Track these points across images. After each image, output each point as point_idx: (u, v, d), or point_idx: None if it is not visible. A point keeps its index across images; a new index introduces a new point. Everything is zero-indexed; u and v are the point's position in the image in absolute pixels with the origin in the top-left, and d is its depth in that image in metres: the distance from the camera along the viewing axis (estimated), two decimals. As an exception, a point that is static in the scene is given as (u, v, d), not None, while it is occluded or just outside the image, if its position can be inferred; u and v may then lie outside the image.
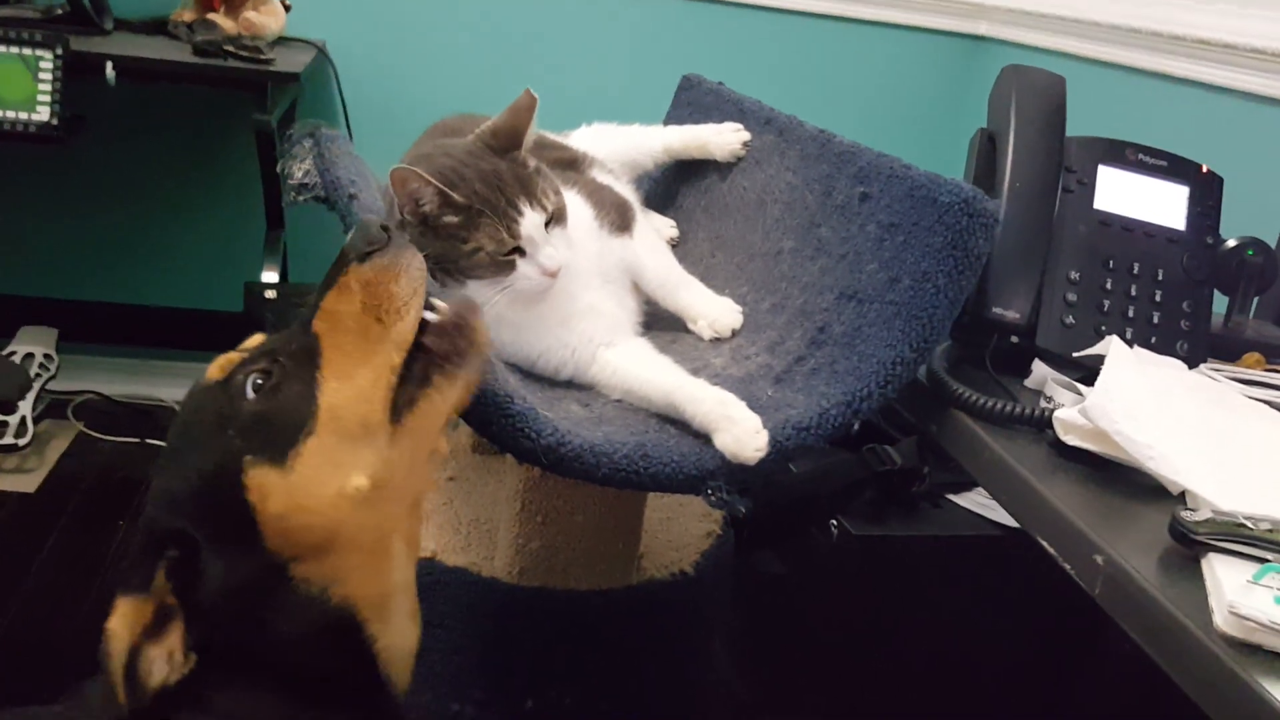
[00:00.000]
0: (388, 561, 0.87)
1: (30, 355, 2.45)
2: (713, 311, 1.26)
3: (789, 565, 1.73)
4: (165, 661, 0.81)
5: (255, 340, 0.91)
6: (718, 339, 1.24)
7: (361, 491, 0.83)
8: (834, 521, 1.58)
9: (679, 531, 1.45)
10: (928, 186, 1.10)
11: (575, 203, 1.21)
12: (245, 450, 0.82)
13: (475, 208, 1.10)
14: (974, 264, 1.06)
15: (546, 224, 1.12)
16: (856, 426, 1.07)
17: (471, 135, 1.16)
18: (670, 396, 1.09)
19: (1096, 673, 1.68)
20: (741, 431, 1.02)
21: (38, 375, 2.42)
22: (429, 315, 0.87)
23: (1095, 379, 1.01)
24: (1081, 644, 1.69)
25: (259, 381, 0.84)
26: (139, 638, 0.80)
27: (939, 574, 1.65)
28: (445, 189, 1.09)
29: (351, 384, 0.83)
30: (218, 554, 0.82)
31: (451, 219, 1.10)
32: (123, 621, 0.80)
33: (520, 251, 1.11)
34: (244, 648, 0.83)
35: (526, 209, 1.10)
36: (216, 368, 0.88)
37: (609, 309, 1.21)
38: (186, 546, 0.83)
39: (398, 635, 0.89)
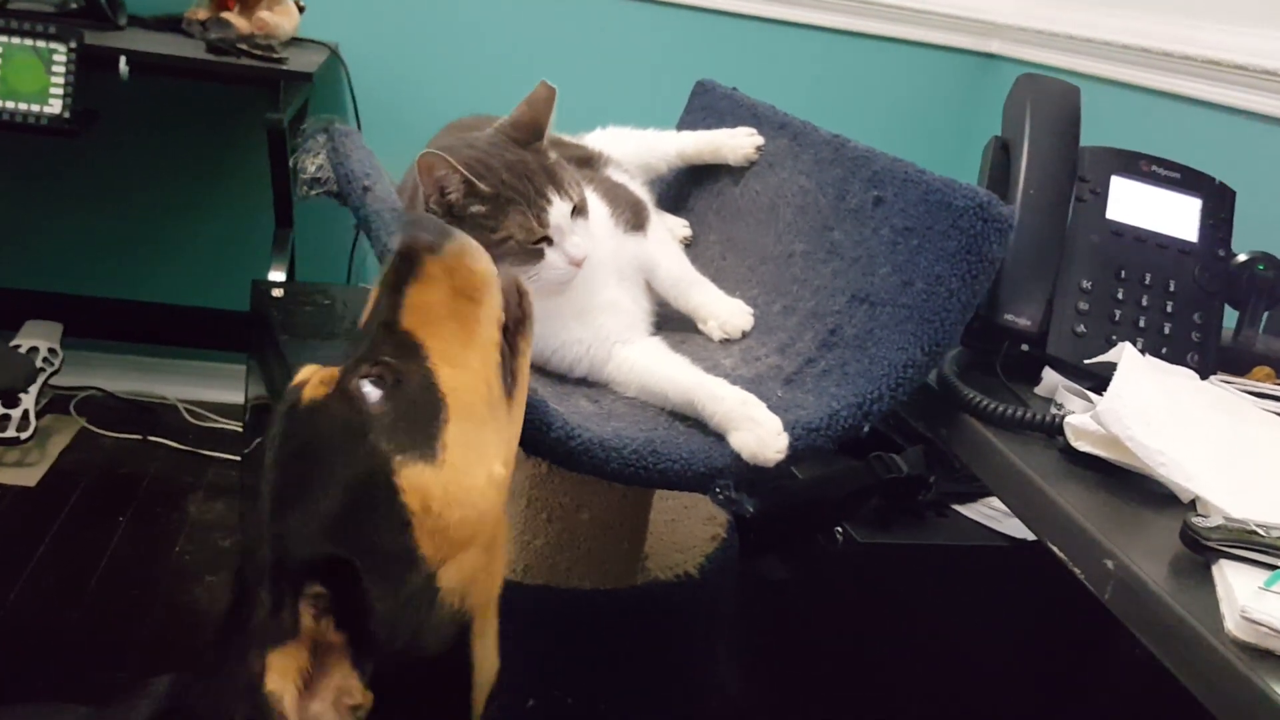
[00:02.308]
0: (500, 556, 0.84)
1: (35, 349, 2.46)
2: (724, 312, 1.26)
3: (793, 571, 1.72)
4: (334, 712, 0.73)
5: (312, 369, 0.85)
6: (728, 340, 1.24)
7: (501, 478, 0.81)
8: (839, 528, 1.58)
9: (684, 533, 1.44)
10: (943, 191, 1.10)
11: (591, 200, 1.21)
12: (394, 451, 0.77)
13: (504, 196, 1.10)
14: (988, 268, 1.06)
15: (573, 214, 1.12)
16: (867, 429, 1.07)
17: (491, 128, 1.16)
18: (689, 394, 1.08)
19: (1102, 685, 1.67)
20: (764, 433, 1.02)
21: (42, 369, 2.42)
22: None
23: (1106, 388, 1.01)
24: (1087, 657, 1.68)
25: (379, 381, 0.80)
26: (301, 693, 0.72)
27: (944, 583, 1.64)
28: (472, 177, 1.09)
29: (466, 368, 0.82)
30: (379, 572, 0.75)
31: (479, 208, 1.10)
32: (284, 679, 0.72)
33: (548, 241, 1.11)
34: (413, 679, 0.77)
35: (555, 198, 1.11)
36: (316, 385, 0.82)
37: (625, 306, 1.21)
38: (339, 576, 0.75)
39: (488, 658, 0.85)
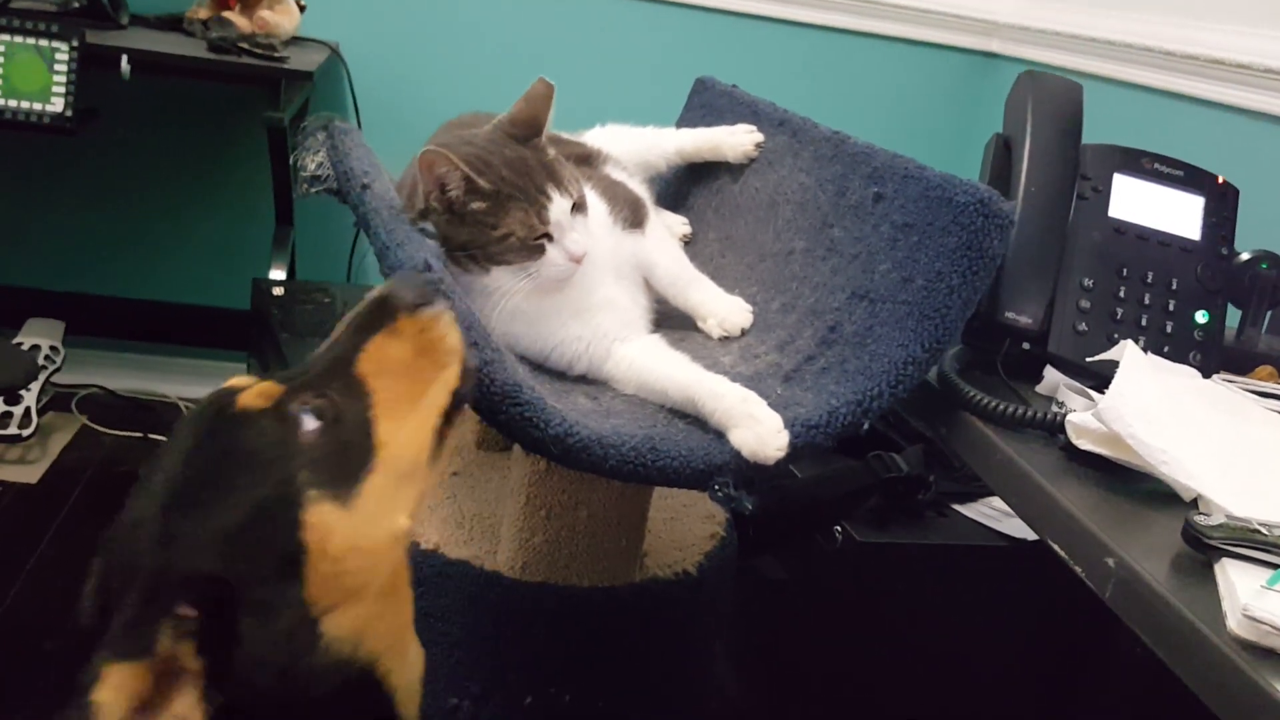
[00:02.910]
0: (401, 601, 0.84)
1: (36, 347, 2.46)
2: (722, 310, 1.25)
3: (790, 571, 1.72)
4: None
5: (249, 379, 0.84)
6: (727, 338, 1.24)
7: (405, 531, 0.80)
8: (838, 527, 1.57)
9: (683, 532, 1.44)
10: (943, 187, 1.09)
11: (590, 198, 1.20)
12: (311, 484, 0.76)
13: (504, 193, 1.09)
14: (989, 265, 1.05)
15: (572, 210, 1.12)
16: (866, 426, 1.06)
17: (489, 125, 1.16)
18: (689, 391, 1.08)
19: (1102, 685, 1.67)
20: (765, 430, 1.01)
21: (43, 367, 2.42)
22: None
23: (1107, 387, 1.00)
24: (1086, 657, 1.68)
25: (319, 413, 0.79)
26: (131, 713, 0.68)
27: (943, 583, 1.64)
28: (472, 174, 1.08)
29: (405, 426, 0.82)
30: (257, 604, 0.73)
31: (479, 204, 1.10)
32: (117, 694, 0.68)
33: (548, 237, 1.11)
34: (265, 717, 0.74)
35: (555, 194, 1.10)
36: (255, 396, 0.81)
37: (624, 303, 1.21)
38: (213, 599, 0.72)
39: (411, 671, 0.85)
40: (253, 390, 0.81)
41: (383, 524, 0.78)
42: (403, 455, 0.81)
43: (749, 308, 1.26)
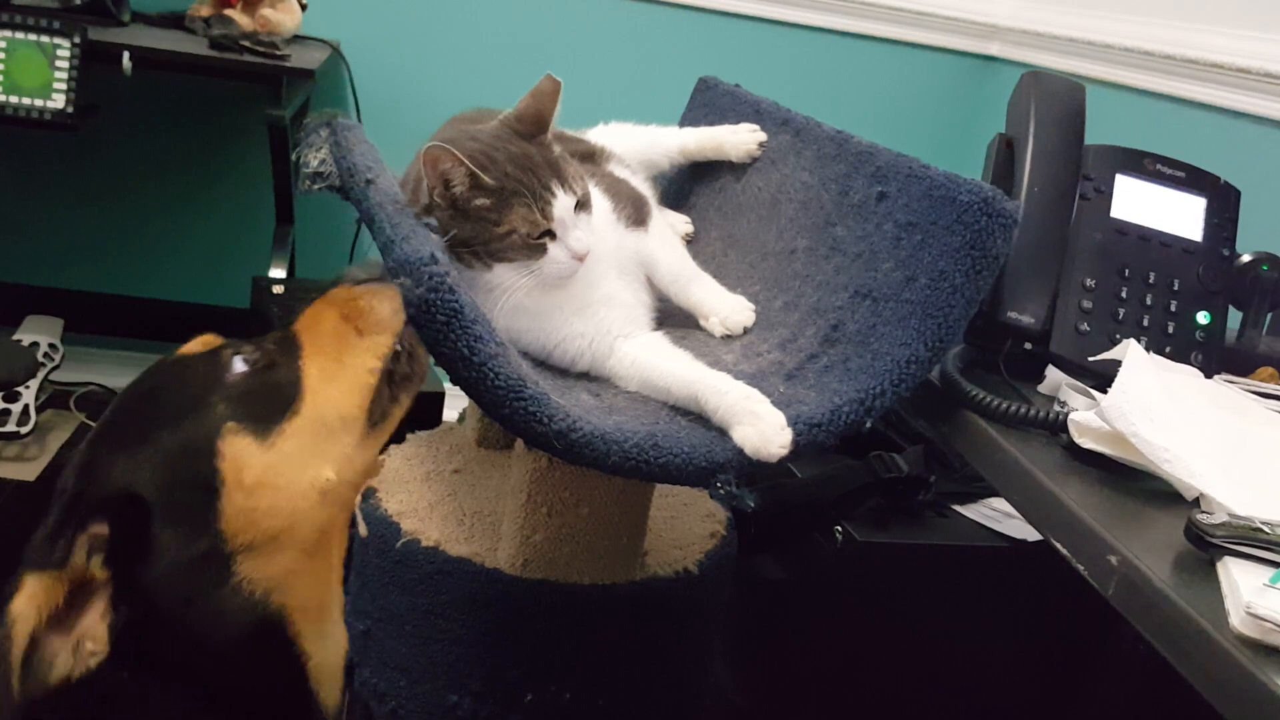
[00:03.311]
0: (327, 569, 0.88)
1: (35, 344, 2.45)
2: (725, 308, 1.25)
3: (789, 570, 1.72)
4: (71, 653, 0.74)
5: (209, 337, 0.93)
6: (729, 336, 1.24)
7: (329, 484, 0.84)
8: (838, 527, 1.57)
9: (683, 530, 1.44)
10: (947, 186, 1.09)
11: (594, 195, 1.20)
12: (230, 417, 0.82)
13: (508, 189, 1.09)
14: (992, 264, 1.05)
15: (576, 208, 1.12)
16: (869, 425, 1.06)
17: (495, 121, 1.16)
18: (692, 388, 1.08)
19: (1102, 686, 1.67)
20: (767, 428, 1.01)
21: (42, 364, 2.41)
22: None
23: (1109, 387, 1.00)
24: (1087, 657, 1.68)
25: (250, 359, 0.86)
26: (45, 622, 0.73)
27: (943, 583, 1.64)
28: (477, 170, 1.08)
29: (333, 382, 0.88)
30: (170, 526, 0.78)
31: (483, 201, 1.10)
32: (30, 602, 0.73)
33: (551, 235, 1.11)
34: (166, 647, 0.78)
35: (559, 191, 1.10)
36: (197, 344, 0.90)
37: (626, 300, 1.21)
38: (132, 515, 0.78)
39: (330, 652, 0.89)
40: (197, 340, 0.91)
41: (302, 468, 0.83)
42: (327, 407, 0.86)
43: (751, 306, 1.26)
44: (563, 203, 1.11)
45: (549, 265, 1.11)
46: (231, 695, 0.81)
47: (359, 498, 1.03)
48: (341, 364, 0.89)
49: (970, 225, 1.05)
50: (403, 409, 0.92)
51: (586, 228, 1.13)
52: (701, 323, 1.27)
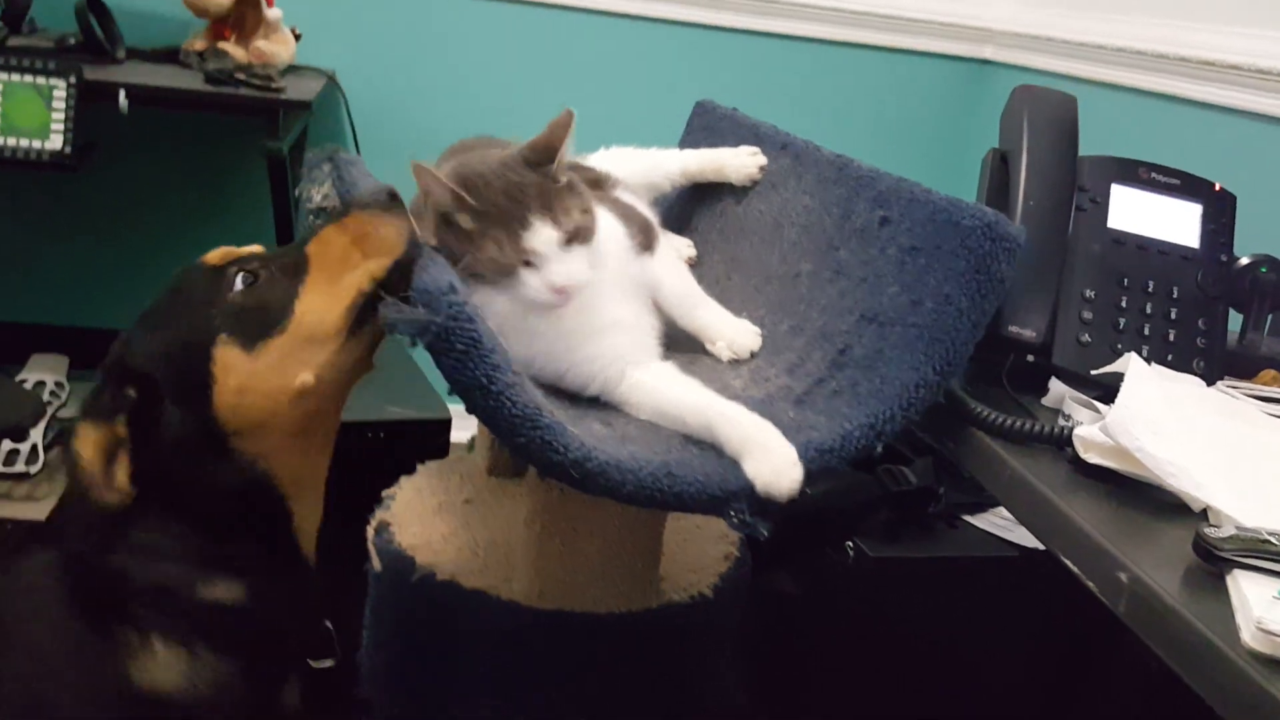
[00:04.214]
0: (313, 449, 1.09)
1: (41, 383, 2.46)
2: (730, 332, 1.26)
3: (802, 586, 1.72)
4: (107, 490, 0.98)
5: (254, 249, 1.10)
6: (736, 360, 1.24)
7: (306, 386, 1.02)
8: (850, 543, 1.58)
9: (696, 553, 1.44)
10: (949, 210, 1.09)
11: (607, 220, 1.21)
12: (221, 329, 1.01)
13: (491, 215, 1.10)
14: (997, 287, 1.05)
15: (568, 241, 1.12)
16: (880, 449, 1.07)
17: (515, 147, 1.17)
18: (704, 416, 1.08)
19: (1115, 693, 1.67)
20: (779, 463, 1.02)
21: (49, 403, 2.42)
22: None
23: (1113, 398, 1.01)
24: (1098, 663, 1.68)
25: (249, 279, 1.02)
26: (99, 458, 0.97)
27: (955, 595, 1.64)
28: (461, 192, 1.09)
29: (325, 297, 1.02)
30: (176, 405, 1.00)
31: (467, 223, 1.10)
32: (91, 444, 0.97)
33: (528, 264, 1.11)
34: (182, 495, 1.01)
35: (537, 223, 1.10)
36: (216, 255, 1.08)
37: (635, 325, 1.21)
38: (149, 391, 1.00)
39: (310, 517, 1.11)
40: (219, 251, 1.09)
41: (282, 375, 1.01)
42: (311, 322, 1.02)
43: (757, 330, 1.26)
44: (541, 235, 1.10)
45: (523, 290, 1.11)
46: (234, 533, 1.04)
47: (346, 395, 1.13)
48: (338, 284, 1.03)
49: (974, 249, 1.05)
50: (376, 329, 1.04)
51: (579, 261, 1.13)
52: (708, 347, 1.27)
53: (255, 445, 1.03)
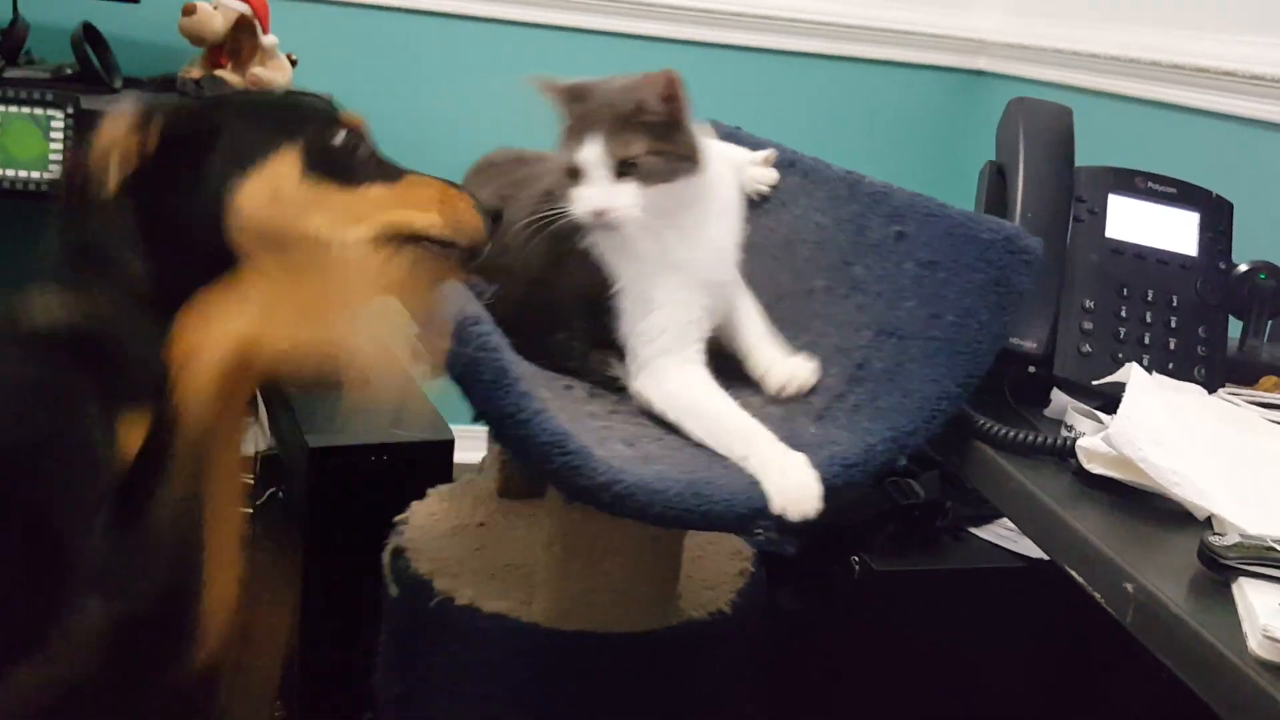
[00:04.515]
0: (234, 396, 0.99)
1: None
2: (790, 368, 1.21)
3: (807, 601, 1.72)
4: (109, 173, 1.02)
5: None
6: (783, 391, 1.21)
7: (321, 239, 0.98)
8: (855, 558, 1.57)
9: (713, 569, 1.43)
10: (967, 225, 1.10)
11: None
12: (301, 138, 1.00)
13: (572, 124, 1.17)
14: (1015, 300, 1.06)
15: (619, 170, 1.13)
16: (903, 463, 1.07)
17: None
18: (729, 432, 1.09)
19: (1123, 702, 1.67)
20: (801, 491, 1.02)
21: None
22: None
23: (1115, 407, 1.01)
24: (1107, 674, 1.67)
25: (353, 140, 1.02)
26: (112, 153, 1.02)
27: (962, 608, 1.64)
28: (569, 94, 1.18)
29: (388, 203, 1.01)
30: (214, 168, 0.99)
31: (564, 121, 1.18)
32: (126, 126, 1.00)
33: (579, 177, 1.15)
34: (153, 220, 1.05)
35: (589, 141, 1.14)
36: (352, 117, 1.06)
37: (701, 315, 1.21)
38: (207, 129, 1.00)
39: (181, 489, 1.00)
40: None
41: (304, 219, 0.98)
42: (362, 208, 1.00)
43: (815, 365, 1.21)
44: (590, 154, 1.13)
45: (569, 202, 1.15)
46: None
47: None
48: (404, 207, 1.02)
49: (994, 262, 1.06)
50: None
51: (627, 194, 1.14)
52: (758, 377, 1.24)
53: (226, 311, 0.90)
